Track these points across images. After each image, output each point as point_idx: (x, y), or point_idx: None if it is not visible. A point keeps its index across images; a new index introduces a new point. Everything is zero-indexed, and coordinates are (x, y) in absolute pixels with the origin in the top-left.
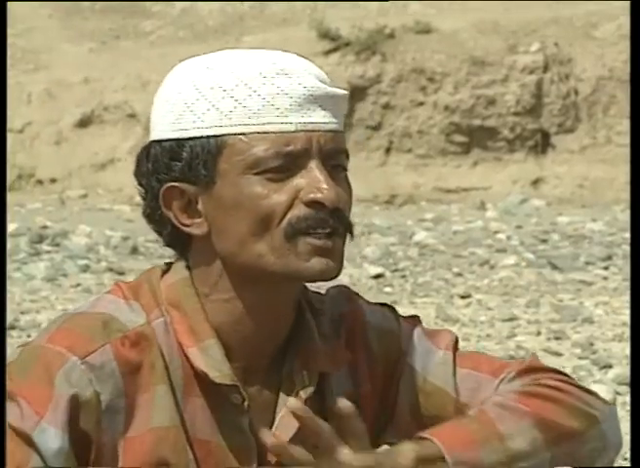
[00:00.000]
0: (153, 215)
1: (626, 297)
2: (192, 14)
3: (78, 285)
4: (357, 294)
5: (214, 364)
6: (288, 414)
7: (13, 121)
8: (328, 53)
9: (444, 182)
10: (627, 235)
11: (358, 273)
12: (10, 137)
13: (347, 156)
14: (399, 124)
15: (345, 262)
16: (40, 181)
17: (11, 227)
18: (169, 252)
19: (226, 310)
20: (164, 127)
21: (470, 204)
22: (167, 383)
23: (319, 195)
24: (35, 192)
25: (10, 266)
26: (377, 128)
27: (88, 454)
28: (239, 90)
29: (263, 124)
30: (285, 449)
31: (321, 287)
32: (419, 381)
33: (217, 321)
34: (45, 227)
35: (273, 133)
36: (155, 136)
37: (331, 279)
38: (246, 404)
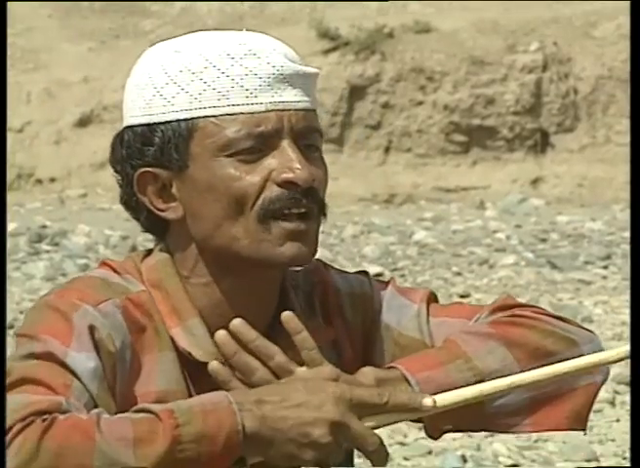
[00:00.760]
0: (130, 202)
1: (626, 297)
2: (192, 13)
3: None
4: (328, 265)
5: (197, 342)
6: None
7: (12, 120)
8: (327, 52)
9: (443, 182)
10: (627, 234)
11: None
12: (9, 137)
13: (321, 135)
14: (398, 123)
15: (345, 262)
16: (39, 181)
17: (10, 227)
18: None
19: (206, 294)
20: (135, 112)
21: (469, 203)
22: (173, 351)
23: (291, 175)
24: (34, 192)
25: (9, 266)
26: (376, 127)
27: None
28: (208, 72)
29: (233, 105)
30: (224, 372)
31: None
32: (394, 336)
33: (198, 304)
34: (44, 227)
35: (243, 114)
36: (127, 121)
37: (304, 265)
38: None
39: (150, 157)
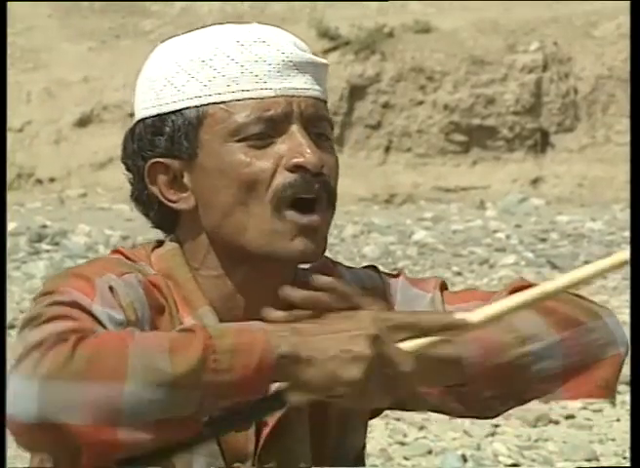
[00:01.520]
0: (140, 197)
1: (626, 297)
2: (192, 13)
3: None
4: (336, 261)
5: None
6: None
7: (12, 120)
8: (327, 52)
9: (443, 181)
10: (627, 234)
11: None
12: (9, 137)
13: (331, 126)
14: (398, 123)
15: (345, 261)
16: (39, 181)
17: (10, 226)
18: None
19: (217, 286)
20: (146, 104)
21: (470, 203)
22: None
23: (301, 159)
24: (34, 191)
25: (9, 265)
26: (376, 127)
27: None
28: (217, 59)
29: (243, 91)
30: (336, 284)
31: None
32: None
33: (208, 296)
34: (44, 226)
35: (253, 99)
36: (139, 114)
37: (312, 261)
38: None
39: (161, 147)
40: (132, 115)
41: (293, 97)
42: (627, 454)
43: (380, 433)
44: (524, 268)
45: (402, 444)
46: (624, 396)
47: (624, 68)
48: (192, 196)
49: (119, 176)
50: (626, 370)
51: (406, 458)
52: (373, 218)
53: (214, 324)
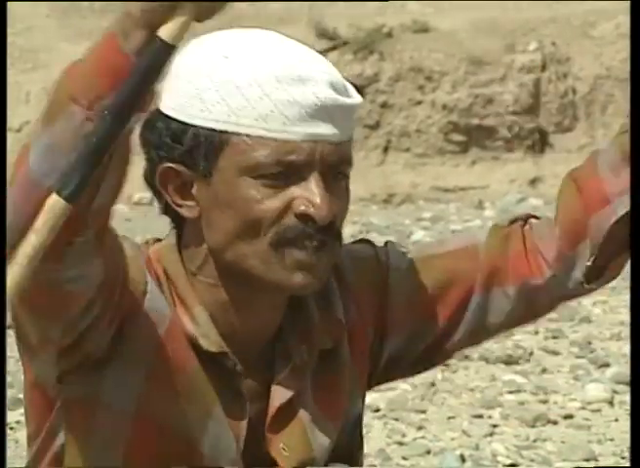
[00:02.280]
0: (151, 180)
1: (625, 297)
2: None
3: None
4: None
5: (202, 331)
6: (285, 380)
7: (11, 120)
8: (326, 52)
9: (442, 181)
10: None
11: None
12: (8, 137)
13: (351, 163)
14: (397, 123)
15: None
16: None
17: None
18: None
19: (212, 294)
20: (172, 103)
21: (468, 203)
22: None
23: (311, 210)
24: None
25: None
26: (374, 127)
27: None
28: (252, 90)
29: (269, 130)
30: None
31: None
32: (411, 281)
33: (203, 300)
34: None
35: (277, 140)
36: (162, 106)
37: (313, 292)
38: (238, 367)
39: (177, 155)
40: None
41: (317, 142)
42: (626, 454)
43: (378, 433)
44: None
45: (400, 444)
46: (623, 396)
47: (623, 68)
48: (197, 207)
49: None
50: (624, 370)
51: (404, 458)
52: (371, 218)
53: (208, 325)
